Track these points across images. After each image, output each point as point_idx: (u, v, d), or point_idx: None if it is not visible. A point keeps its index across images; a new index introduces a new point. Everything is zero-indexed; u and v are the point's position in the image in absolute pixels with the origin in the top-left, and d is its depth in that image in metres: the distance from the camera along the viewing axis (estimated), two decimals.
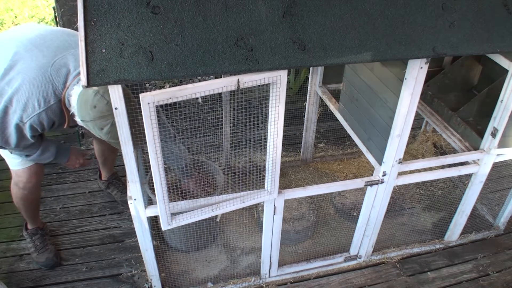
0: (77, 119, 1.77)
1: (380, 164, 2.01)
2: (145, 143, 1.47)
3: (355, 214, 2.60)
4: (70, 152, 2.20)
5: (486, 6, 1.64)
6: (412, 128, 1.91)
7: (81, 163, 2.27)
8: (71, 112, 1.80)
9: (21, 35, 1.88)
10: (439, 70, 2.71)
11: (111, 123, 1.69)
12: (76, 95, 1.72)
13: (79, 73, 1.77)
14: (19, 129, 1.81)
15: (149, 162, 1.51)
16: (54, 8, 3.21)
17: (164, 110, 1.84)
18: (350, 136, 2.35)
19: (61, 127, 1.92)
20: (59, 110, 1.83)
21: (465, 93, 2.67)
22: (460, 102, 2.50)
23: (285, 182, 2.95)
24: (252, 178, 2.07)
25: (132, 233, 2.57)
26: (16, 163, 2.09)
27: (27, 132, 1.83)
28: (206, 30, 1.37)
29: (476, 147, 2.21)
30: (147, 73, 1.32)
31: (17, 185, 2.16)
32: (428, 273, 2.43)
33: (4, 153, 2.06)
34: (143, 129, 1.43)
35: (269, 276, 2.31)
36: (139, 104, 1.38)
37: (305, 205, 2.56)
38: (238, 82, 1.45)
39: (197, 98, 1.39)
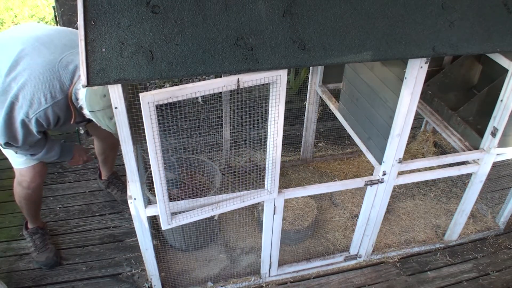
0: (86, 111, 1.79)
1: (380, 164, 2.01)
2: (145, 141, 1.47)
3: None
4: (74, 150, 2.22)
5: (486, 6, 1.64)
6: (412, 128, 1.91)
7: (84, 159, 2.31)
8: (78, 105, 1.83)
9: (27, 34, 1.90)
10: (439, 69, 2.70)
11: None
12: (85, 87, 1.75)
13: None
14: (25, 124, 1.82)
15: (149, 162, 1.51)
16: (54, 8, 3.21)
17: (164, 110, 1.84)
18: (350, 136, 2.35)
19: (68, 122, 1.94)
20: (66, 106, 1.86)
21: (465, 93, 2.67)
22: (460, 102, 2.50)
23: (285, 182, 2.95)
24: (252, 177, 2.08)
25: (132, 233, 2.57)
26: (20, 162, 2.10)
27: (33, 128, 1.84)
28: (206, 30, 1.37)
29: (476, 147, 2.21)
30: (147, 72, 1.32)
31: (21, 184, 2.17)
32: (428, 272, 2.43)
33: (9, 153, 2.07)
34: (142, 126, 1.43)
35: (269, 276, 2.31)
36: (139, 102, 1.38)
37: (305, 205, 2.56)
38: (238, 81, 1.45)
39: (197, 98, 1.39)
